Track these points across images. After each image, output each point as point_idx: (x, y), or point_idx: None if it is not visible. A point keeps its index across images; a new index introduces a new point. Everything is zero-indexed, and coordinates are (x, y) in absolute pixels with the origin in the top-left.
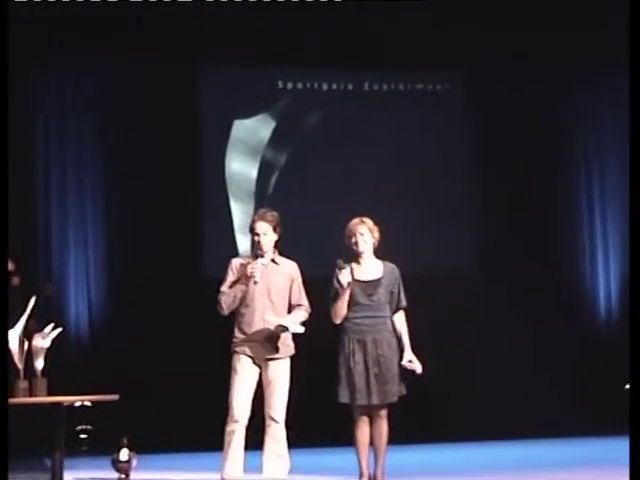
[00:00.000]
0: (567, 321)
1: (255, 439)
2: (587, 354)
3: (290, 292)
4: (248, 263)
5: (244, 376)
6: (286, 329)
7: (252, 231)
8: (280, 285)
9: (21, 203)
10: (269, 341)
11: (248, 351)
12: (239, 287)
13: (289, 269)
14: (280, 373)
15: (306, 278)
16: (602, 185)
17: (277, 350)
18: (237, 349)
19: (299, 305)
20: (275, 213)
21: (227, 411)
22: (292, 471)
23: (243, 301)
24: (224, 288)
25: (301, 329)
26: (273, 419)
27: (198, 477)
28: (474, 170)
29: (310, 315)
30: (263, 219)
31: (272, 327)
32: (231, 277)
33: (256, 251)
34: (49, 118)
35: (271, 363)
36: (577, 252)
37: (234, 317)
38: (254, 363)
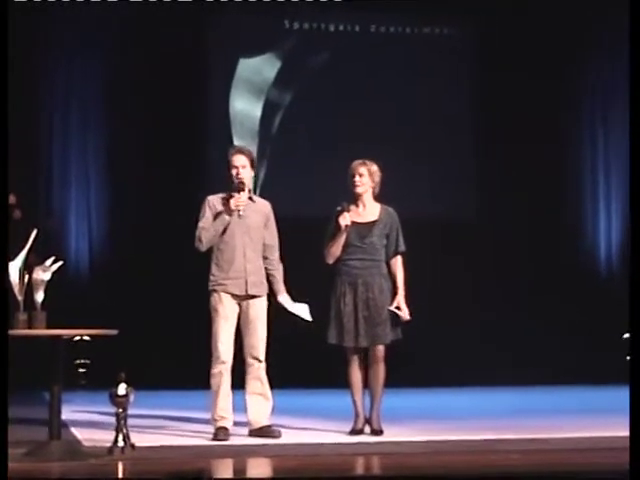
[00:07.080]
0: (568, 272)
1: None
2: (587, 304)
3: (265, 231)
4: (229, 198)
5: (226, 316)
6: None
7: (229, 164)
8: (257, 223)
9: (24, 137)
10: (250, 278)
11: (229, 288)
12: (220, 222)
13: (264, 208)
14: (260, 311)
15: (306, 218)
16: (606, 137)
17: (258, 287)
18: (217, 287)
19: (271, 246)
20: (250, 149)
21: (211, 352)
22: (274, 411)
23: (222, 238)
24: (203, 224)
25: (309, 317)
26: (256, 358)
27: (193, 415)
28: (479, 117)
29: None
30: (241, 152)
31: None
32: (208, 214)
33: (236, 184)
34: (55, 55)
35: (251, 301)
36: (580, 204)
37: (211, 255)
38: (234, 302)
